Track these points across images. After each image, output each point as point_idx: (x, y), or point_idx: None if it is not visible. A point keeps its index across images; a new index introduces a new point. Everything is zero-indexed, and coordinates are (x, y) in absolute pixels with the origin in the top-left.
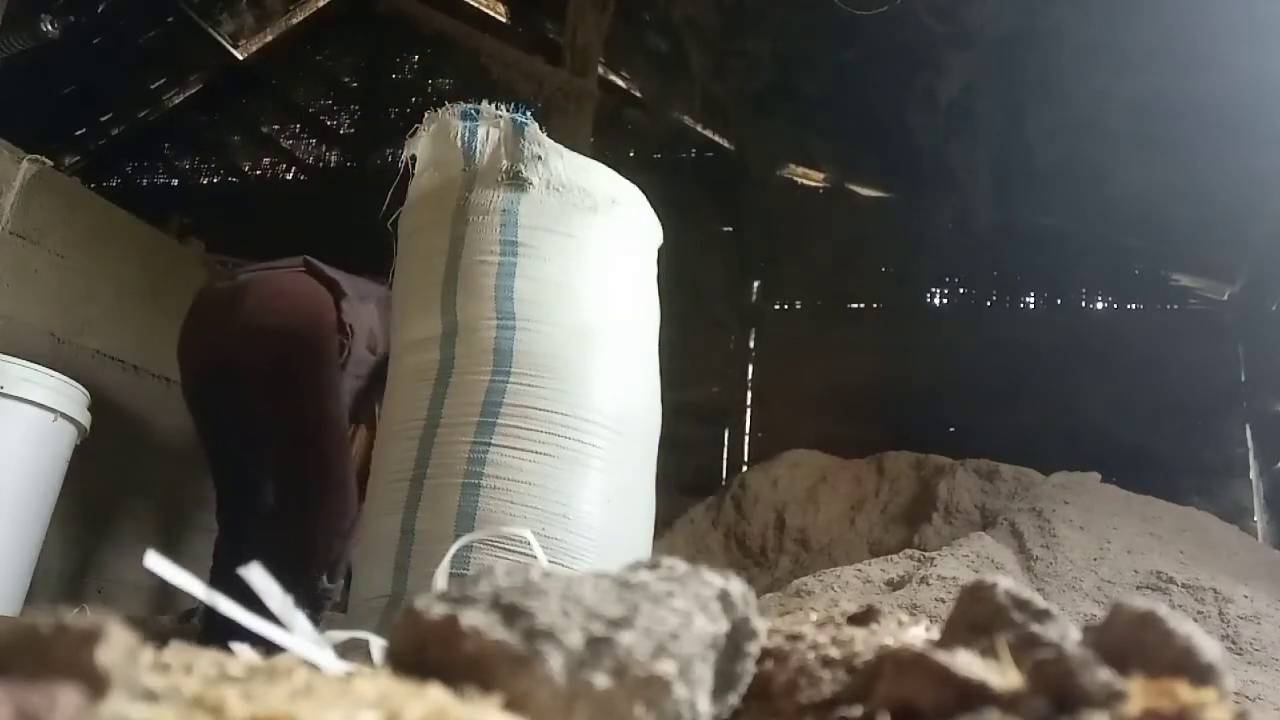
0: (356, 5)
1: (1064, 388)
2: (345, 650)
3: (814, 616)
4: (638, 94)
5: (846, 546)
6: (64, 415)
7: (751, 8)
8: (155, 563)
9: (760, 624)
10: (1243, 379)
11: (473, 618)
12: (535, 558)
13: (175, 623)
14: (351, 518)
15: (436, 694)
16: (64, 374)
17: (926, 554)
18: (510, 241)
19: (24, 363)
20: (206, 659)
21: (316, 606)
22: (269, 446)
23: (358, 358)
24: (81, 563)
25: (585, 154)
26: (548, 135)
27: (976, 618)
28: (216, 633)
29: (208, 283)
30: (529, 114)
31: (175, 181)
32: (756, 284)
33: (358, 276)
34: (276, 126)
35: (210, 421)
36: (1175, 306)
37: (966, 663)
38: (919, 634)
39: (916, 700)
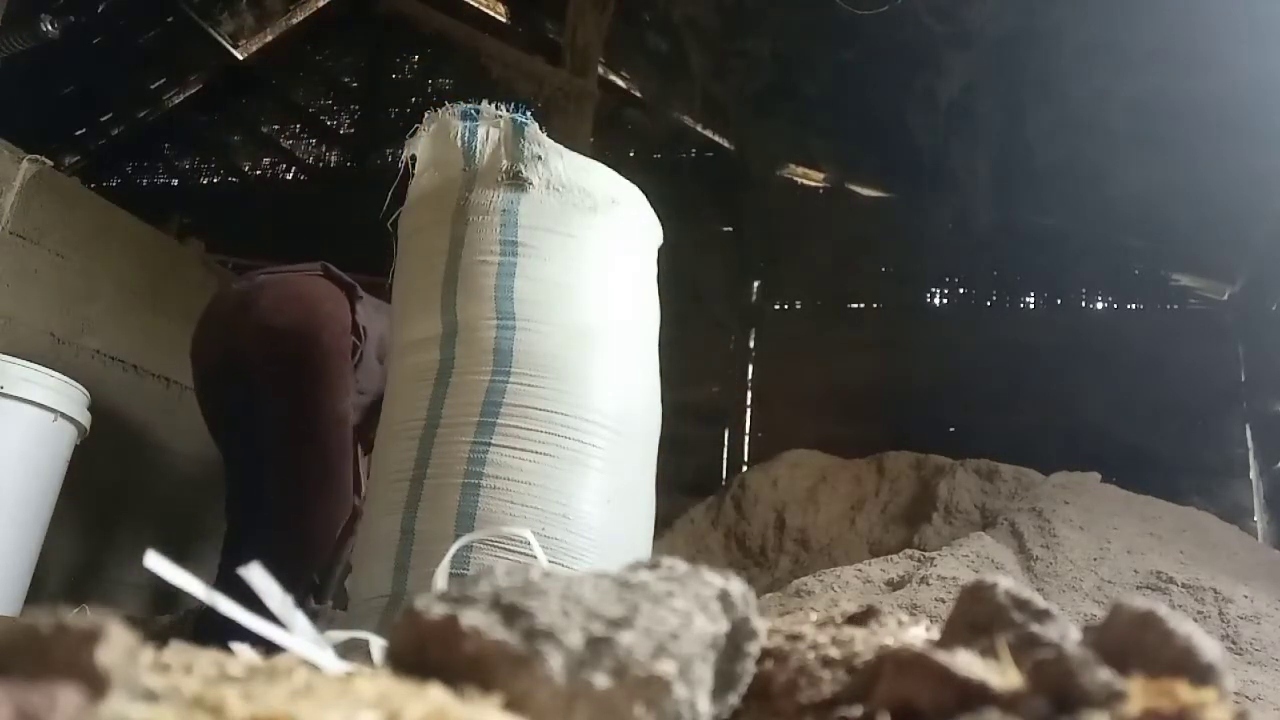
0: (356, 5)
1: (1064, 388)
2: (345, 650)
3: (814, 616)
4: (638, 94)
5: (846, 546)
6: (64, 415)
7: (751, 8)
8: (155, 563)
9: (760, 624)
10: (1243, 379)
11: (473, 618)
12: (535, 558)
13: (175, 623)
14: (346, 520)
15: (436, 694)
16: (64, 374)
17: (926, 554)
18: (510, 241)
19: (24, 363)
20: (206, 659)
21: (308, 615)
22: (275, 445)
23: (368, 366)
24: (81, 563)
25: (585, 154)
26: (548, 135)
27: (976, 618)
28: (213, 630)
29: (224, 283)
30: (529, 114)
31: (175, 181)
32: (756, 284)
33: (371, 293)
34: (276, 126)
35: (221, 419)
36: (1175, 306)
37: (966, 663)
38: (919, 634)
39: (916, 700)
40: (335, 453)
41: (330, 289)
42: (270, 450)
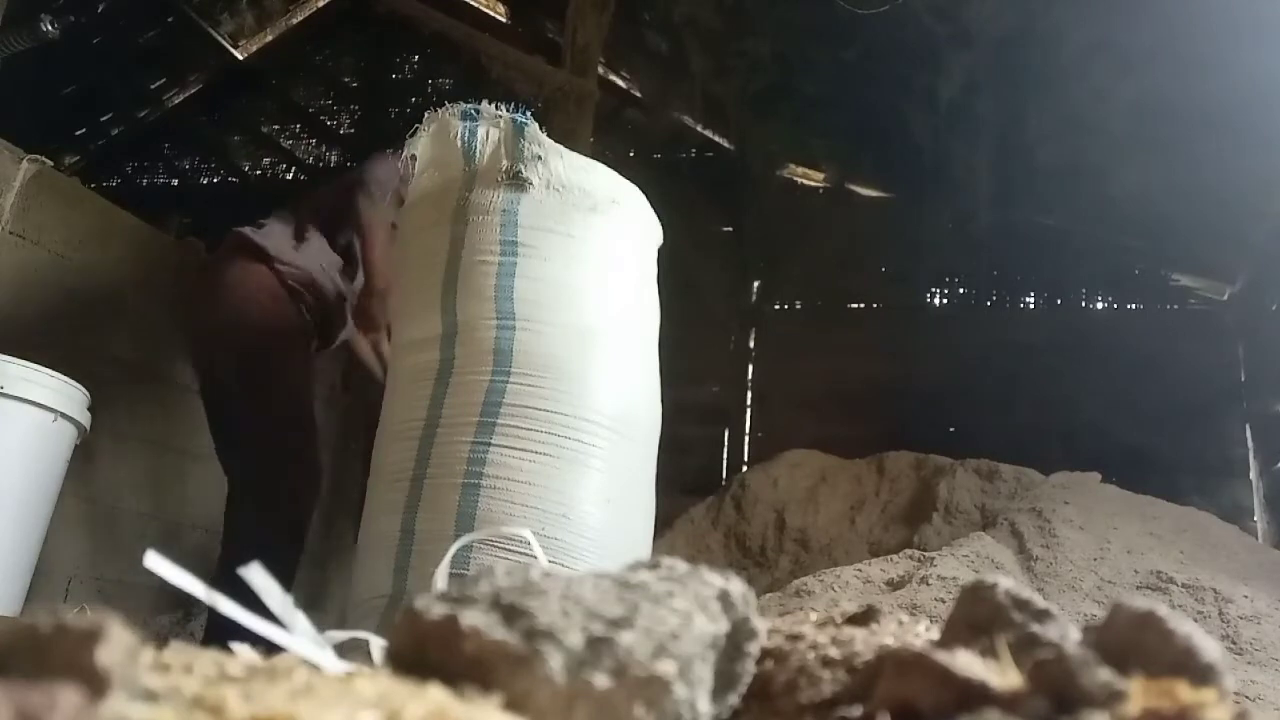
0: (356, 5)
1: (1064, 388)
2: (345, 650)
3: (814, 616)
4: (638, 94)
5: (846, 546)
6: (64, 415)
7: (751, 8)
8: (155, 563)
9: (760, 624)
10: (1243, 379)
11: (473, 618)
12: (535, 558)
13: (175, 623)
14: (313, 504)
15: (436, 694)
16: (64, 374)
17: (926, 554)
18: (510, 241)
19: (24, 363)
20: (206, 659)
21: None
22: (242, 437)
23: (323, 292)
24: (81, 563)
25: (585, 154)
26: (548, 135)
27: (976, 618)
28: (213, 630)
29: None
30: (529, 114)
31: (175, 181)
32: (756, 284)
33: (304, 199)
34: (276, 126)
35: (209, 420)
36: (1175, 306)
37: (966, 663)
38: (919, 634)
39: (916, 700)
40: (295, 432)
41: (249, 267)
42: (239, 443)
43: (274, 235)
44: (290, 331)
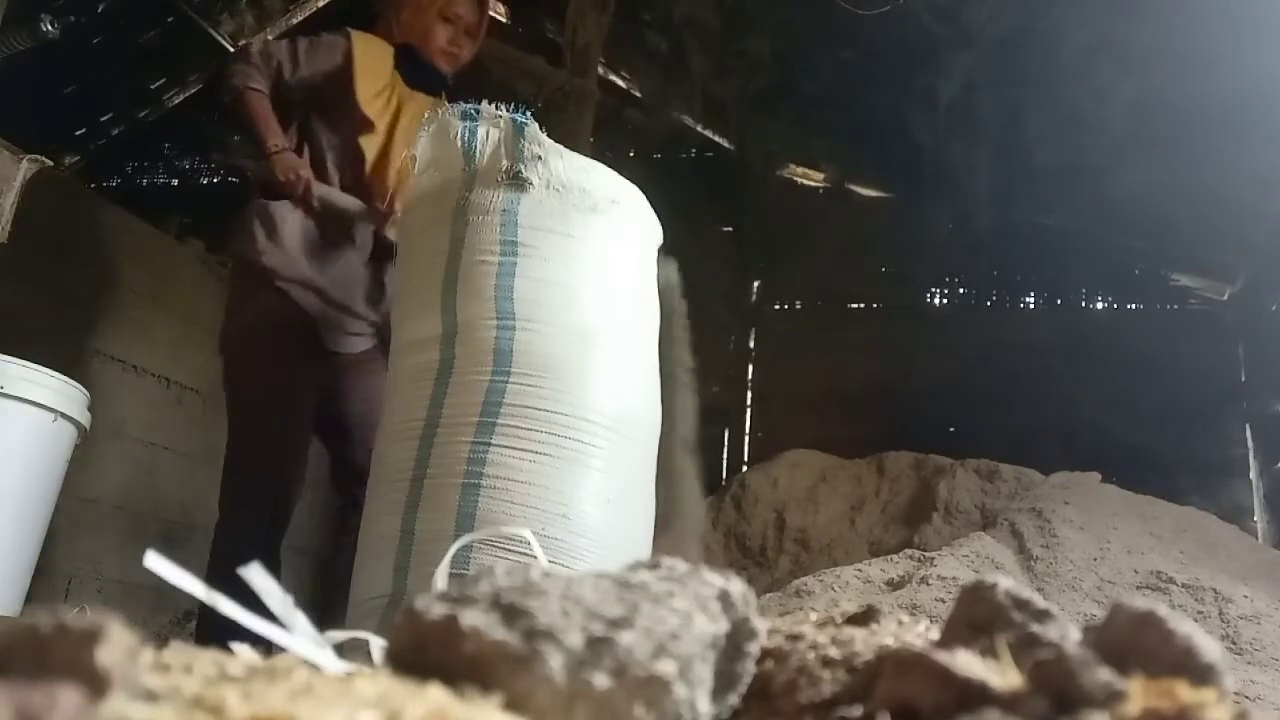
0: (356, 5)
1: (1064, 388)
2: (345, 650)
3: (814, 616)
4: (638, 94)
5: (846, 546)
6: (64, 415)
7: (751, 8)
8: (155, 563)
9: (760, 624)
10: (1243, 379)
11: (473, 618)
12: (535, 558)
13: (174, 624)
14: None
15: (436, 694)
16: (64, 374)
17: (926, 554)
18: (510, 241)
19: (24, 363)
20: (206, 659)
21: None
22: (237, 449)
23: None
24: (81, 563)
25: (585, 154)
26: (548, 135)
27: (976, 618)
28: (212, 629)
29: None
30: (529, 114)
31: (175, 181)
32: (756, 284)
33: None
34: None
35: None
36: (1175, 306)
37: (966, 663)
38: (919, 634)
39: (916, 700)
40: (286, 443)
41: (248, 291)
42: (239, 451)
43: (257, 236)
44: (284, 342)
